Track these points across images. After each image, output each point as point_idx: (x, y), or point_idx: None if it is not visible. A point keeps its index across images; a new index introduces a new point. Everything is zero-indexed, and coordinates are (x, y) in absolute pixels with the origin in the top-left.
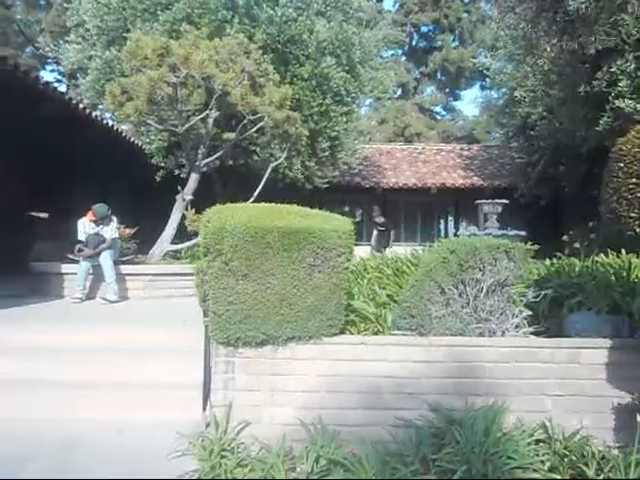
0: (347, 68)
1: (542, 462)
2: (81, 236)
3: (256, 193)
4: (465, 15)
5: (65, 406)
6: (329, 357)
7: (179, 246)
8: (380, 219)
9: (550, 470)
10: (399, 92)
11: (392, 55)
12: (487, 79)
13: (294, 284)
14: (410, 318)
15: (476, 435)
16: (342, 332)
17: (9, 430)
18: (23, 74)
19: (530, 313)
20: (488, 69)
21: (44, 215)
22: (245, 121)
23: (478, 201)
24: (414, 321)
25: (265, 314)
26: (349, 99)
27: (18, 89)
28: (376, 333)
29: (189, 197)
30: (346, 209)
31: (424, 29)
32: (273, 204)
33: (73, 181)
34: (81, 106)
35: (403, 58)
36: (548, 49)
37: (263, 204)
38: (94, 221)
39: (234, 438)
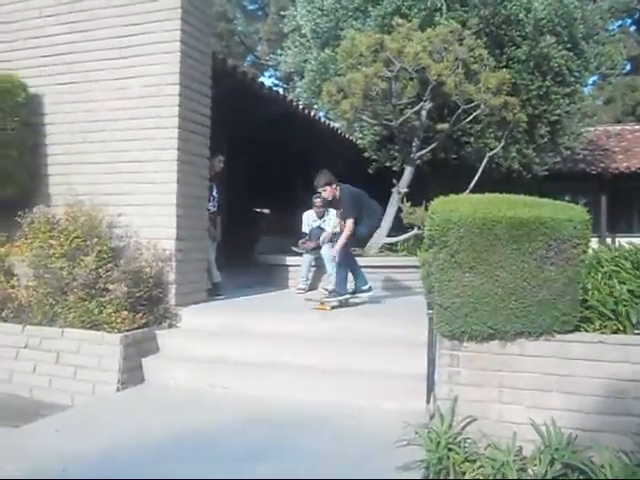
0: (569, 45)
1: None
2: (305, 229)
3: (472, 184)
4: None
5: (294, 387)
6: (561, 355)
7: (395, 239)
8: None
9: None
10: (628, 67)
11: (619, 26)
12: None
13: (524, 277)
14: None
15: None
16: (576, 329)
17: (242, 405)
18: (250, 81)
19: None
20: None
21: (266, 211)
22: (459, 111)
23: None
24: None
25: (492, 308)
26: (572, 79)
27: (246, 95)
28: (615, 332)
29: (404, 190)
30: (567, 199)
31: None
32: (498, 194)
33: (292, 178)
34: (301, 106)
35: (632, 28)
36: None
37: (487, 194)
38: (319, 207)
39: (459, 432)
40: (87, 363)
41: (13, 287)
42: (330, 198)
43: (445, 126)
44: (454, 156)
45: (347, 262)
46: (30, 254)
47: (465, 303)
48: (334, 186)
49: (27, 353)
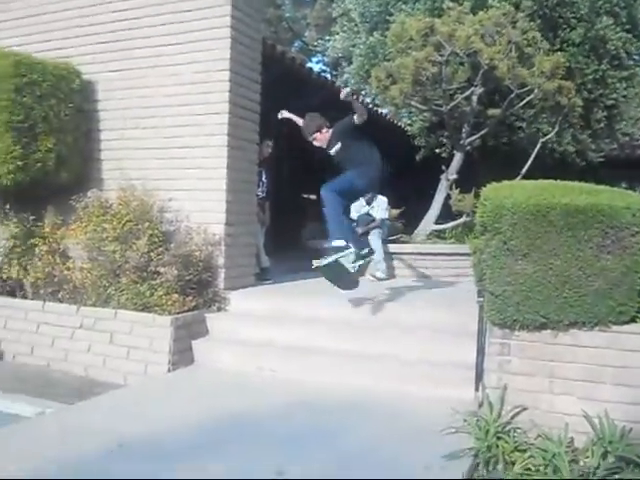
0: (628, 27)
1: None
2: (353, 215)
3: (524, 170)
4: None
5: (339, 371)
6: (617, 347)
7: (443, 226)
8: None
9: None
10: None
11: None
12: None
13: (579, 266)
14: None
15: None
16: (633, 320)
17: (288, 389)
18: (299, 66)
19: None
20: None
21: (314, 197)
22: (512, 95)
23: None
24: None
25: (545, 296)
26: (630, 62)
27: (294, 80)
28: None
29: (453, 177)
30: (623, 186)
31: None
32: (552, 180)
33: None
34: None
35: None
36: None
37: (542, 180)
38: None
39: (509, 422)
40: (139, 344)
41: (68, 269)
42: (325, 146)
43: (496, 111)
44: (505, 141)
45: (330, 208)
46: (84, 237)
47: (517, 291)
48: (324, 130)
49: (82, 333)
